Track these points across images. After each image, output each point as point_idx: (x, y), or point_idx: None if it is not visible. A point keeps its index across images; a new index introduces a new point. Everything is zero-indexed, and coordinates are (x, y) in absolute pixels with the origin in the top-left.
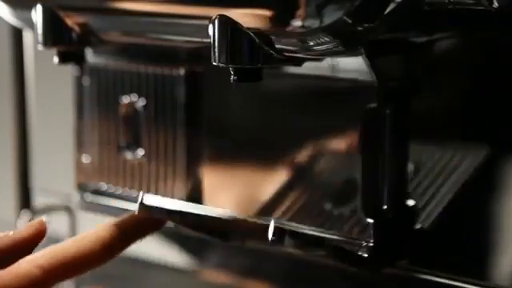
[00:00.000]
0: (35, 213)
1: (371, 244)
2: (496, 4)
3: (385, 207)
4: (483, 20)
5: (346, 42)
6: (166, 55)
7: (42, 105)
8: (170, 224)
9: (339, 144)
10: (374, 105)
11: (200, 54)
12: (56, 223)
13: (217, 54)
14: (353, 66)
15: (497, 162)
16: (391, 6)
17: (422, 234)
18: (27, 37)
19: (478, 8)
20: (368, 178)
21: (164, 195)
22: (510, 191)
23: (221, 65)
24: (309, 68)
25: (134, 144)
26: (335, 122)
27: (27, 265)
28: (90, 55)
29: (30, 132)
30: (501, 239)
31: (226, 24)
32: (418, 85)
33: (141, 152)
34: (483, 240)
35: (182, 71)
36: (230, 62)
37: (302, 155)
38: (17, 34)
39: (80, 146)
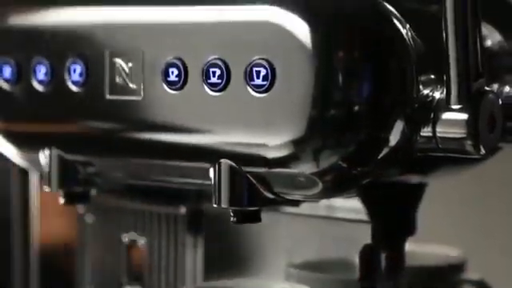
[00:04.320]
0: None
1: None
2: (483, 151)
3: None
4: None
5: (341, 185)
6: (168, 194)
7: (45, 240)
8: None
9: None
10: (369, 242)
11: (201, 193)
12: None
13: (218, 196)
14: (349, 204)
15: None
16: (384, 151)
17: None
18: (33, 173)
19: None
20: None
21: None
22: None
23: (221, 207)
24: (306, 207)
25: (135, 282)
26: (333, 258)
27: None
28: (94, 193)
29: (33, 265)
30: None
31: (227, 169)
32: (413, 224)
33: None
34: None
35: (183, 210)
36: (231, 205)
37: None
38: (23, 173)
39: (82, 282)
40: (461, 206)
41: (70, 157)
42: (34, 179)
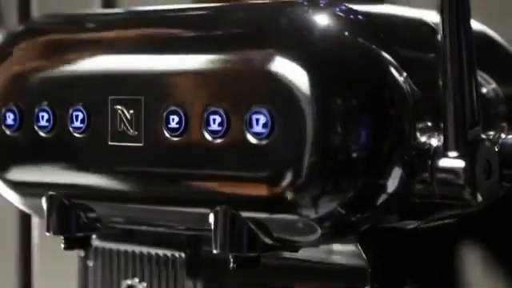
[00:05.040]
0: None
1: None
2: (480, 198)
3: None
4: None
5: (340, 230)
6: (168, 238)
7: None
8: None
9: None
10: None
11: (200, 238)
12: None
13: (217, 242)
14: (347, 249)
15: None
16: (383, 198)
17: None
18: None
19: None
20: None
21: None
22: None
23: (221, 253)
24: (305, 252)
25: None
26: None
27: None
28: (95, 237)
29: None
30: None
31: (227, 214)
32: (410, 269)
33: None
34: None
35: (182, 254)
36: (230, 251)
37: None
38: (25, 217)
39: None
40: (461, 251)
41: (71, 202)
42: (35, 221)
